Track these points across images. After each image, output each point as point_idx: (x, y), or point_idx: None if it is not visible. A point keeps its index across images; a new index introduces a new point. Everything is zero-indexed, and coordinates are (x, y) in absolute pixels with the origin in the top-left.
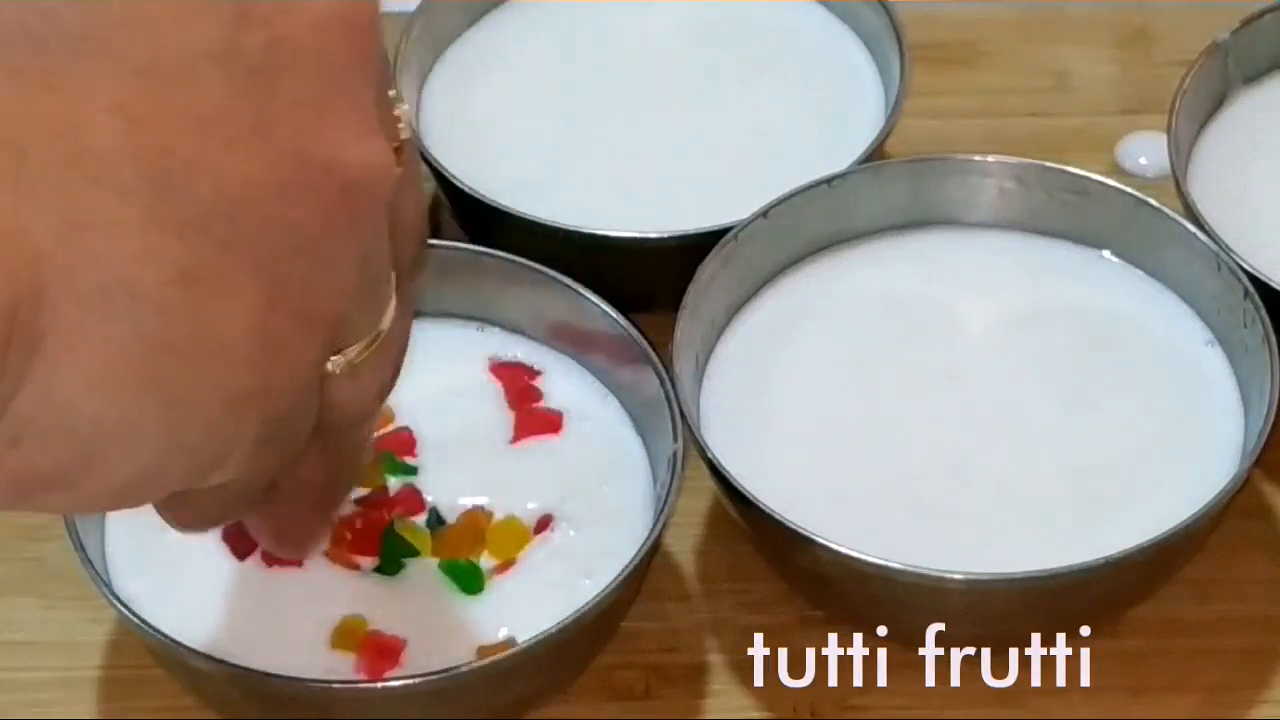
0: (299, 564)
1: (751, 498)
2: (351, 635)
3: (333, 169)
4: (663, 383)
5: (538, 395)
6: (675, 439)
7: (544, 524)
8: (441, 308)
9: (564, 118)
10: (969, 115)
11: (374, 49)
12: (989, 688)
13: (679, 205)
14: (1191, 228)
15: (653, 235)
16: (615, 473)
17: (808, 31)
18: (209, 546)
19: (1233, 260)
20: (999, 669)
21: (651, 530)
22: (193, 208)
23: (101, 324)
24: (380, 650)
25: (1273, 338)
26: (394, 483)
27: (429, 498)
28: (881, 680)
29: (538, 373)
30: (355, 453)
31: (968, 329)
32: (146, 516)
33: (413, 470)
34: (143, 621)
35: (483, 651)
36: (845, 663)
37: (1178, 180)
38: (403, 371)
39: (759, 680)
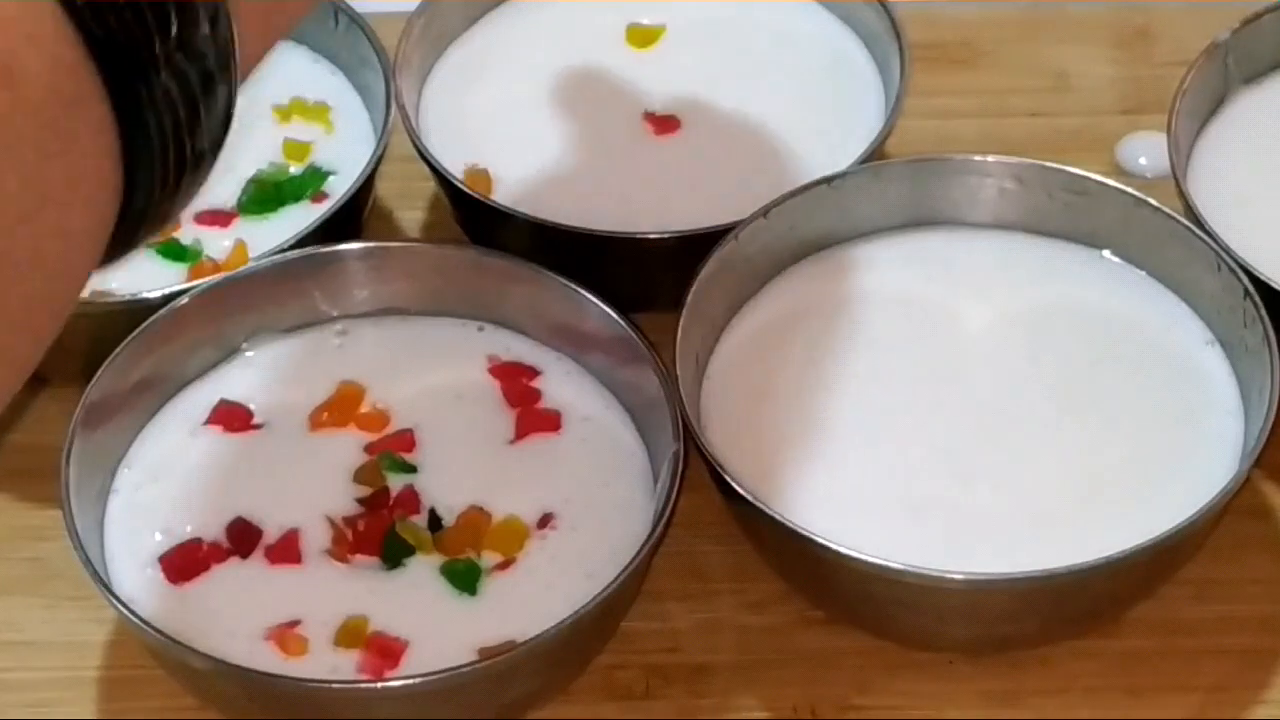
0: (299, 562)
1: (751, 498)
2: (354, 635)
3: None
4: (663, 383)
5: (537, 395)
6: (675, 439)
7: (544, 524)
8: (441, 308)
9: (564, 117)
10: (969, 115)
11: None
12: (989, 688)
13: (679, 205)
14: (1191, 228)
15: (653, 235)
16: (615, 473)
17: (808, 31)
18: (210, 546)
19: (1233, 260)
20: (999, 669)
21: (651, 530)
22: None
23: None
24: (382, 650)
25: (1273, 338)
26: (394, 483)
27: (429, 498)
28: (881, 680)
29: (538, 373)
30: None
31: (968, 329)
32: (147, 517)
33: (413, 470)
34: (143, 621)
35: (483, 652)
36: (845, 663)
37: (1178, 180)
38: (403, 371)
39: (759, 680)
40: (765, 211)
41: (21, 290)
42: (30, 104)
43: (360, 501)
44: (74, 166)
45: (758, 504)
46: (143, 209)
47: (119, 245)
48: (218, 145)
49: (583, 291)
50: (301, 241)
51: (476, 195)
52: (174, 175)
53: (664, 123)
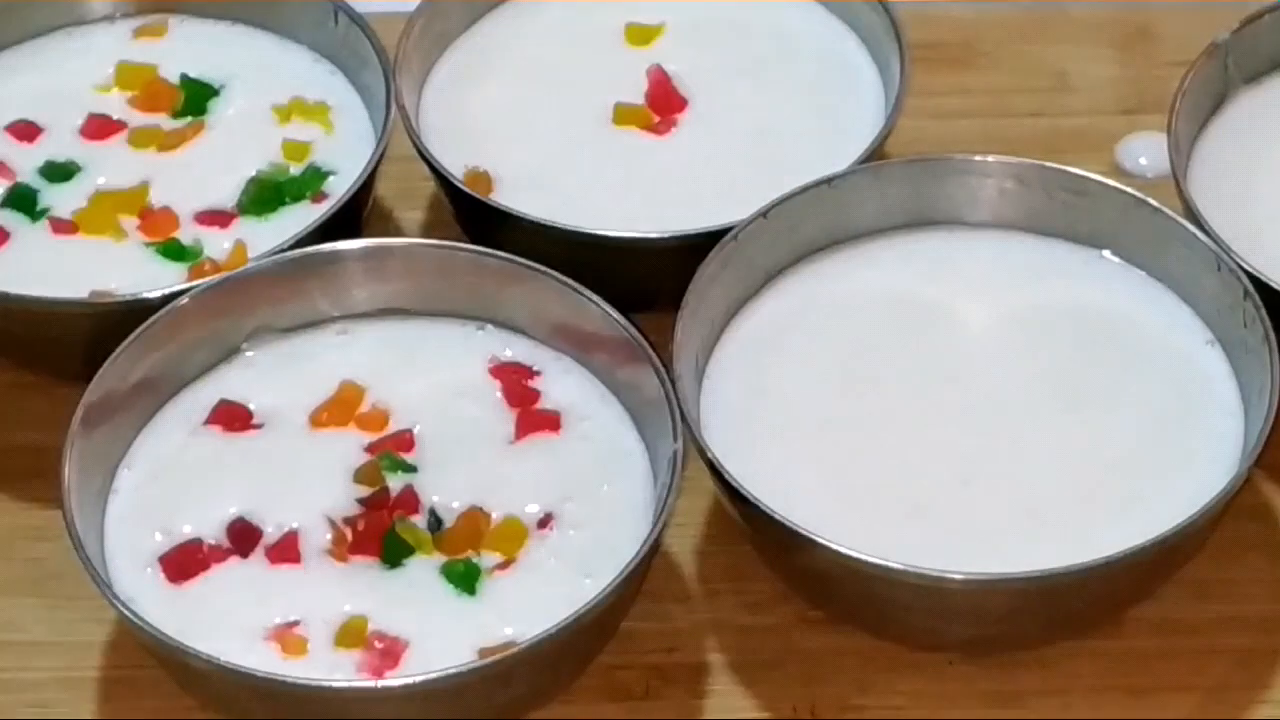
0: (299, 562)
1: (751, 498)
2: (354, 635)
3: None
4: (663, 383)
5: (537, 395)
6: (675, 439)
7: (544, 524)
8: (441, 308)
9: (563, 117)
10: (969, 115)
11: None
12: (989, 688)
13: (679, 205)
14: (1191, 228)
15: (653, 235)
16: (615, 473)
17: (808, 31)
18: (210, 546)
19: (1233, 260)
20: (999, 669)
21: (651, 530)
22: None
23: None
24: (382, 650)
25: (1273, 338)
26: (394, 482)
27: (429, 498)
28: (881, 680)
29: (537, 373)
30: None
31: (968, 329)
32: (147, 517)
33: (413, 470)
34: (143, 621)
35: (483, 652)
36: (845, 663)
37: (1178, 180)
38: (403, 371)
39: (759, 680)
40: (765, 211)
41: None
42: None
43: (360, 501)
44: None
45: (758, 504)
46: None
47: None
48: None
49: (583, 291)
50: (301, 241)
51: (476, 195)
52: None
53: (664, 122)
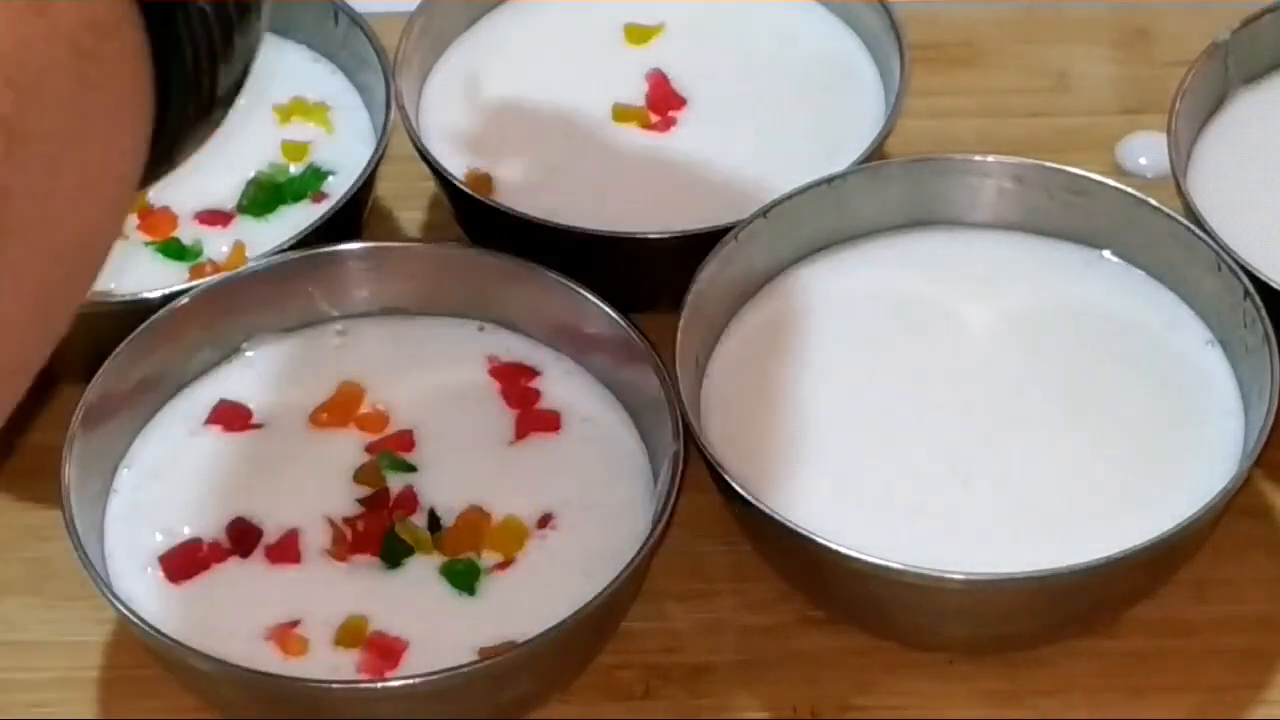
0: (299, 562)
1: (751, 498)
2: (354, 635)
3: None
4: (663, 383)
5: (537, 395)
6: (675, 439)
7: (544, 524)
8: (441, 308)
9: (563, 117)
10: (969, 115)
11: None
12: (989, 688)
13: (679, 205)
14: (1192, 228)
15: (653, 235)
16: (615, 473)
17: (808, 31)
18: (210, 546)
19: (1233, 260)
20: (999, 669)
21: (651, 530)
22: None
23: None
24: (382, 650)
25: (1273, 338)
26: (394, 482)
27: (429, 498)
28: (881, 680)
29: (537, 373)
30: None
31: (968, 329)
32: (147, 517)
33: (412, 470)
34: (143, 621)
35: (483, 652)
36: (845, 663)
37: (1178, 180)
38: (403, 371)
39: (759, 680)
40: (765, 211)
41: (73, 225)
42: (66, 31)
43: (360, 501)
44: (114, 96)
45: (758, 504)
46: (169, 143)
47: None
48: (238, 87)
49: (583, 291)
50: (301, 241)
51: (476, 195)
52: (193, 114)
53: (663, 122)
